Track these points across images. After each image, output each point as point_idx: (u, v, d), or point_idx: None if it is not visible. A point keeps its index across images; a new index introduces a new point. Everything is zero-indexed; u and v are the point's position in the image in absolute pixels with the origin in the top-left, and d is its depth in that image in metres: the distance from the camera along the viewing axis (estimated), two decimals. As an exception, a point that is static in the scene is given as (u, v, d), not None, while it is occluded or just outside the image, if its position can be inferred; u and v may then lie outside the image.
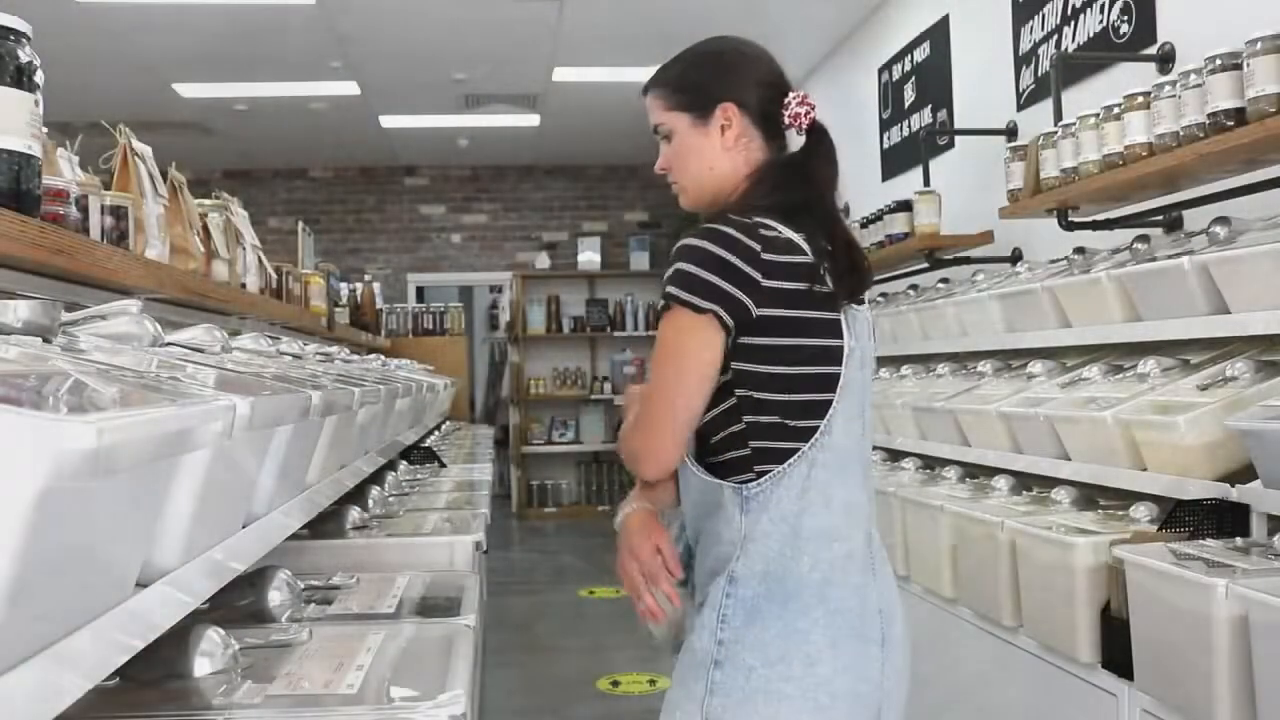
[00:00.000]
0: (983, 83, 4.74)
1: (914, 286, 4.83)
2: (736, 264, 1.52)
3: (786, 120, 1.69)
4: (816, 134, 1.70)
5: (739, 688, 1.52)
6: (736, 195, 1.67)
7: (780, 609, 1.54)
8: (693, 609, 1.67)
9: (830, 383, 1.56)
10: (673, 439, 1.57)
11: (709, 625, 1.56)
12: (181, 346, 1.32)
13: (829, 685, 1.52)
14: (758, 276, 1.52)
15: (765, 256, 1.53)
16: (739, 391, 1.56)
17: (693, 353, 1.54)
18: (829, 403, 1.56)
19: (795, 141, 1.73)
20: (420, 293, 10.21)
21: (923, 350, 4.06)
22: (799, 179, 1.66)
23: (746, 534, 1.56)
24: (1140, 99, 2.86)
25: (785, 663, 1.52)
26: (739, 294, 1.52)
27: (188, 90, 7.35)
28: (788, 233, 1.56)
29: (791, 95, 1.69)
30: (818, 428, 1.55)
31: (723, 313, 1.52)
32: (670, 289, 1.54)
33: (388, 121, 8.35)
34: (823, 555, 1.56)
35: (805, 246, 1.56)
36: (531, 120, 8.37)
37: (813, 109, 1.69)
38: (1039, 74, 4.19)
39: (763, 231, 1.55)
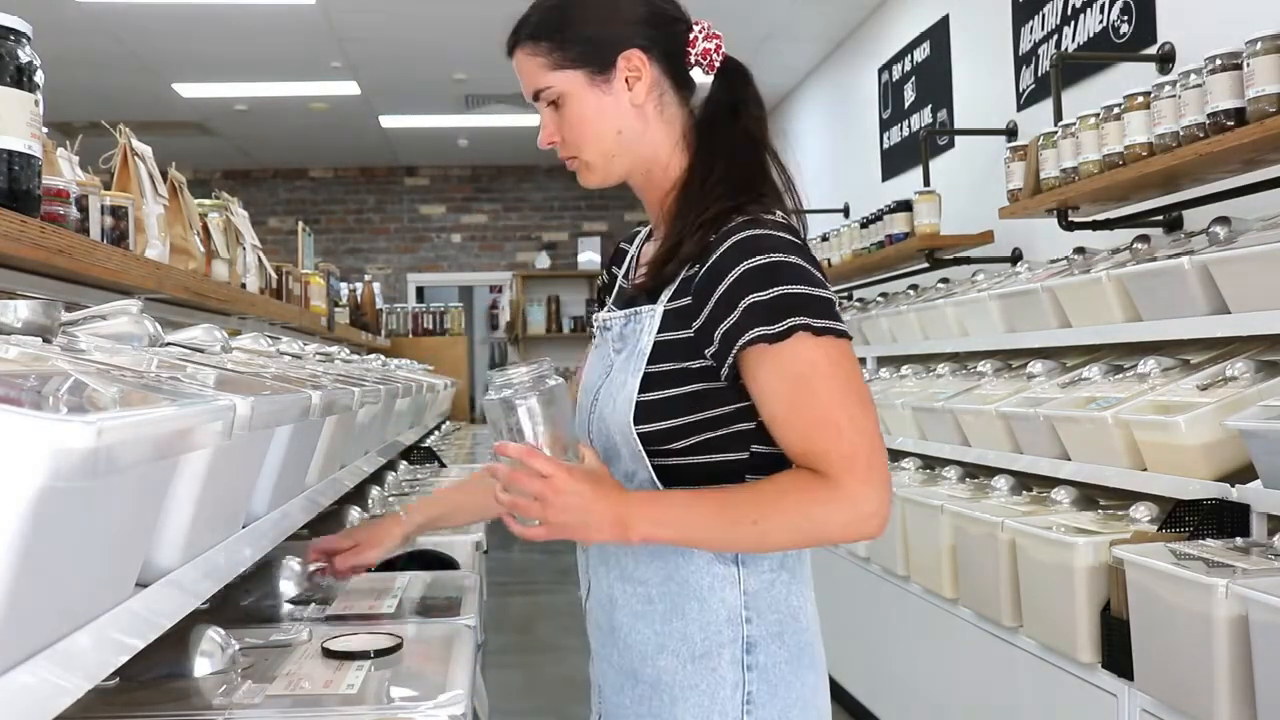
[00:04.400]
0: (983, 83, 4.73)
1: (914, 286, 4.83)
2: (818, 274, 1.26)
3: (693, 60, 1.36)
4: (736, 73, 1.37)
5: None
6: (679, 173, 1.37)
7: (794, 670, 1.31)
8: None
9: None
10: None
11: (729, 712, 1.28)
12: (181, 346, 1.32)
13: None
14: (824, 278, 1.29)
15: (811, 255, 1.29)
16: (742, 425, 1.29)
17: (860, 379, 1.26)
18: None
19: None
20: (420, 293, 10.22)
21: (923, 350, 4.06)
22: (750, 143, 1.35)
23: (750, 587, 1.29)
24: (1140, 99, 2.85)
25: None
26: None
27: (188, 90, 7.35)
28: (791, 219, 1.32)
29: (697, 28, 1.36)
30: None
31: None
32: (809, 320, 1.21)
33: (388, 121, 8.34)
34: (812, 596, 1.37)
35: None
36: (531, 120, 8.35)
37: (721, 42, 1.36)
38: (1039, 74, 4.18)
39: (795, 226, 1.31)
